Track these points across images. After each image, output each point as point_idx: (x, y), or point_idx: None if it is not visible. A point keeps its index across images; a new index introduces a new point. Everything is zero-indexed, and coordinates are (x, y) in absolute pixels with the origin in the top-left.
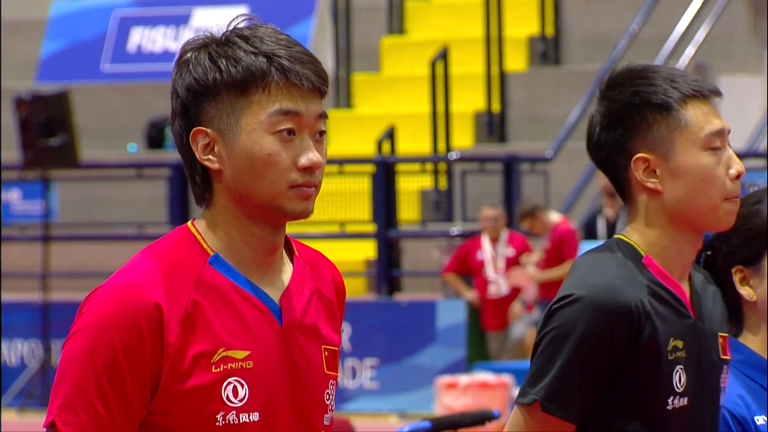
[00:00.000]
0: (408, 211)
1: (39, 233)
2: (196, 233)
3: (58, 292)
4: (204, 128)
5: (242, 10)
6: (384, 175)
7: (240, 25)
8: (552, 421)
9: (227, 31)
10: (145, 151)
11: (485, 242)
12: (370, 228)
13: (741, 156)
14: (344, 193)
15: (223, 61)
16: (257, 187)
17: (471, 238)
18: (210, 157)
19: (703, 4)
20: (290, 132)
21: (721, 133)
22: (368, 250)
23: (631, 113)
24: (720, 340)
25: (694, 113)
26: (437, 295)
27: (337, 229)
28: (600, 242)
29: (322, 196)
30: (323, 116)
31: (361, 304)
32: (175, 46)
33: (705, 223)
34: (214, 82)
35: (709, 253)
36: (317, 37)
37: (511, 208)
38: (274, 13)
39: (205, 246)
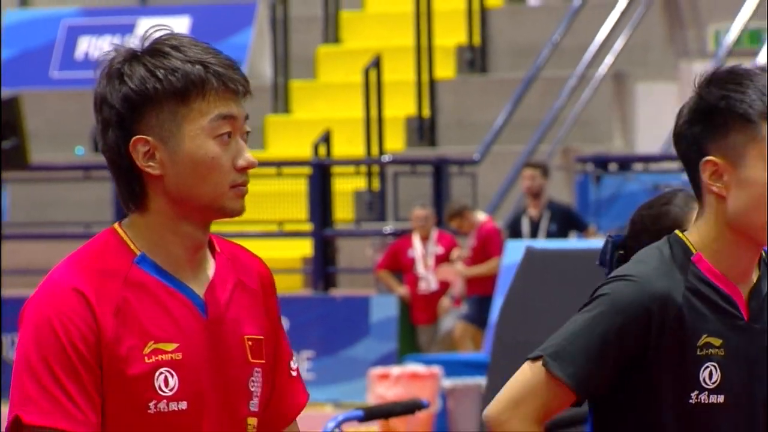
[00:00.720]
0: (343, 210)
1: None
2: (123, 235)
3: (9, 289)
4: (144, 137)
5: (185, 20)
6: (320, 177)
7: (157, 35)
8: (552, 380)
9: (152, 42)
10: (92, 154)
11: (416, 240)
12: (307, 227)
13: (656, 159)
14: (282, 193)
15: (161, 71)
16: (201, 190)
17: (402, 236)
18: (150, 163)
19: (621, 16)
20: (228, 135)
21: None
22: (305, 247)
23: (713, 115)
24: None
25: None
26: (370, 291)
27: (276, 228)
28: (524, 241)
29: (261, 196)
30: (247, 117)
31: (297, 299)
32: None
33: (760, 237)
34: (154, 91)
35: (621, 252)
36: (256, 46)
37: (440, 208)
38: (215, 23)
39: (132, 246)
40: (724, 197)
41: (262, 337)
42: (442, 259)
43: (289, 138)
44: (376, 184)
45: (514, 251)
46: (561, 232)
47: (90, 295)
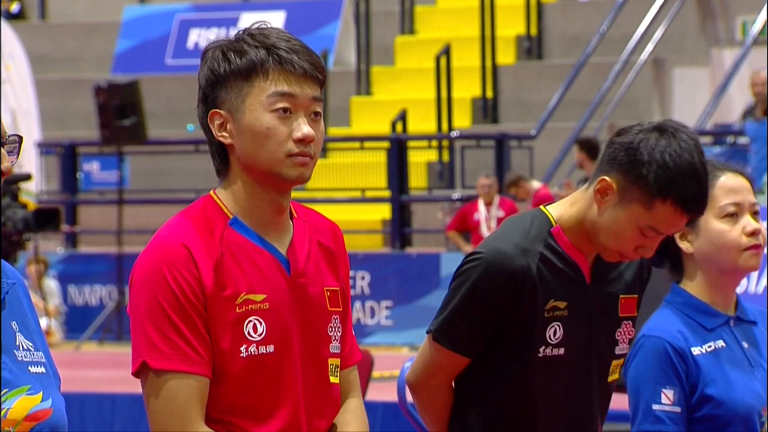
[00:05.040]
0: (417, 179)
1: (114, 197)
2: (217, 200)
3: (130, 246)
4: (218, 110)
5: (281, 15)
6: (397, 150)
7: (251, 27)
8: (442, 350)
9: (240, 32)
10: (201, 130)
11: (480, 205)
12: (386, 193)
13: None
14: (365, 164)
15: (232, 54)
16: (260, 157)
17: (469, 202)
18: (224, 134)
19: (660, 8)
20: (286, 110)
21: (654, 228)
22: (384, 211)
23: (634, 169)
24: (621, 300)
25: (660, 210)
26: (441, 249)
27: (359, 195)
28: None
29: (346, 167)
30: (317, 99)
31: (378, 255)
32: None
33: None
34: (224, 71)
35: None
36: (342, 37)
37: (502, 177)
38: (307, 17)
39: (225, 210)
40: (600, 208)
41: (338, 288)
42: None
43: (370, 116)
44: (446, 156)
45: None
46: None
47: (194, 250)
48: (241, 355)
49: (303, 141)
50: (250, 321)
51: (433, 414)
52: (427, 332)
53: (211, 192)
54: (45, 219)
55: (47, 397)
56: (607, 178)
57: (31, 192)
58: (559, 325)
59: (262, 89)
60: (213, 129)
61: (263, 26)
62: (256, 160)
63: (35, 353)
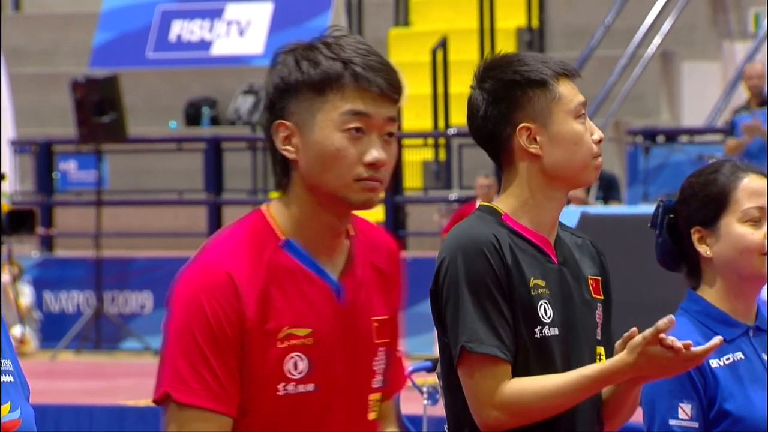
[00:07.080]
0: (412, 179)
1: (92, 198)
2: (270, 218)
3: (109, 250)
4: (285, 122)
5: (269, 6)
6: None
7: (330, 35)
8: (487, 360)
9: (316, 38)
10: (183, 128)
11: None
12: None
13: (700, 131)
14: None
15: (305, 63)
16: (326, 178)
17: (467, 203)
18: (288, 147)
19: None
20: (358, 130)
21: (584, 105)
22: (378, 213)
23: (514, 89)
24: (590, 281)
25: (564, 88)
26: (437, 253)
27: None
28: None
29: None
30: (393, 120)
31: None
32: (210, 36)
33: (580, 180)
34: (295, 81)
35: (671, 216)
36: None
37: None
38: (296, 8)
39: (277, 231)
40: (539, 156)
41: (387, 317)
42: None
43: None
44: (442, 155)
45: (569, 216)
46: (605, 199)
47: (238, 279)
48: (279, 393)
49: (374, 165)
50: (292, 357)
51: (535, 396)
52: (460, 361)
53: (263, 207)
54: (19, 221)
55: (15, 407)
56: (522, 125)
57: (5, 193)
58: (546, 303)
59: (335, 106)
60: (277, 141)
61: (339, 34)
62: (321, 180)
63: (3, 362)
